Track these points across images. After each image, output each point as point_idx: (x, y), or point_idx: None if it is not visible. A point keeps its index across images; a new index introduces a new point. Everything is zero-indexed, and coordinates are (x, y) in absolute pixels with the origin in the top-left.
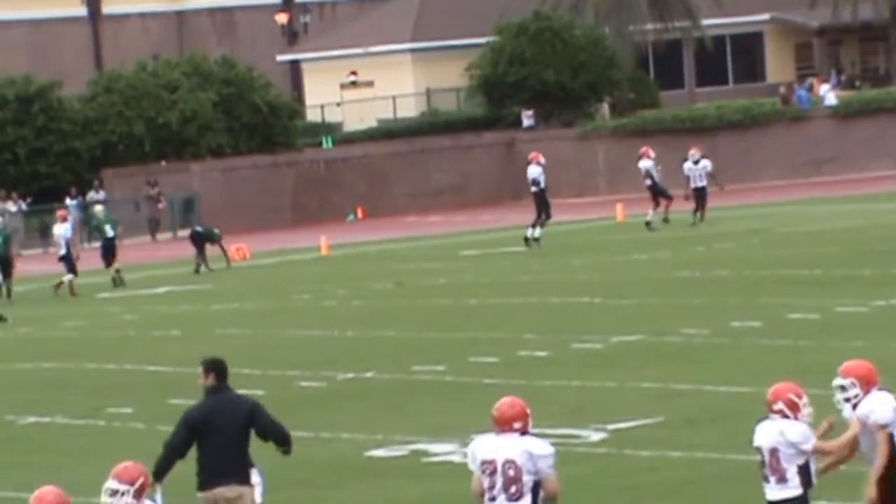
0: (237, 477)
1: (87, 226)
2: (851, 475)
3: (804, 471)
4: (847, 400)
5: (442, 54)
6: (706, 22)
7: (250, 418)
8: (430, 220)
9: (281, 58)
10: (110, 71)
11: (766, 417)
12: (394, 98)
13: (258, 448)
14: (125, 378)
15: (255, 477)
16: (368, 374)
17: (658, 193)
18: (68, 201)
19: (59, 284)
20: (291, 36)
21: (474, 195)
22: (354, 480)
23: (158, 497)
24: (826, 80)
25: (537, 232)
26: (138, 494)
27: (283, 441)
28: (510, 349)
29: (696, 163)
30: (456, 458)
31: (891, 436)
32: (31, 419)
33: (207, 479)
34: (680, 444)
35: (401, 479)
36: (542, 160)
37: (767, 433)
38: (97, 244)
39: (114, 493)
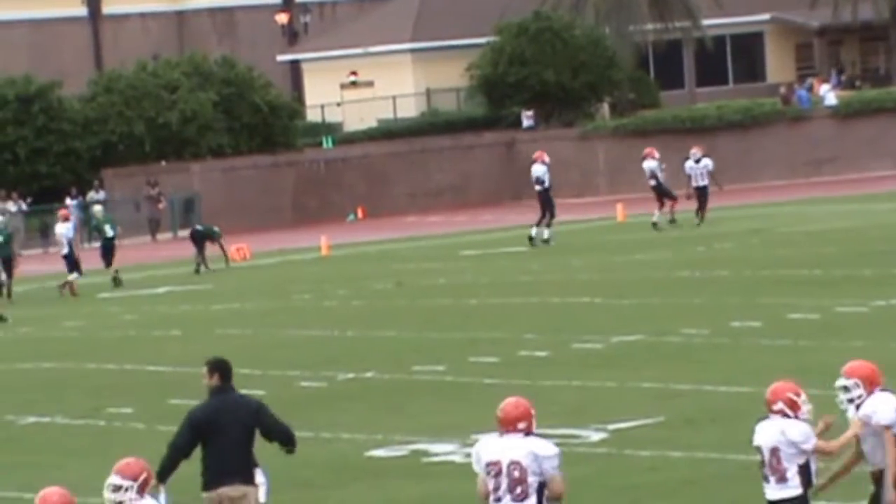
0: (241, 477)
1: (87, 226)
2: (851, 475)
3: (804, 470)
4: (850, 401)
5: (442, 54)
6: (706, 22)
7: (255, 418)
8: (430, 220)
9: (281, 58)
10: (110, 71)
11: (765, 417)
12: (394, 98)
13: (259, 448)
14: (125, 378)
15: (259, 477)
16: (369, 374)
17: (662, 194)
18: (68, 201)
19: (65, 284)
20: (291, 36)
21: (474, 195)
22: (355, 480)
23: (162, 497)
24: (826, 80)
25: (545, 232)
26: (141, 490)
27: (287, 441)
28: (510, 349)
29: (697, 162)
30: (456, 459)
31: None
32: (32, 419)
33: (212, 479)
34: (680, 444)
35: (401, 480)
36: (547, 159)
37: (768, 433)
38: (97, 244)
39: (117, 488)
